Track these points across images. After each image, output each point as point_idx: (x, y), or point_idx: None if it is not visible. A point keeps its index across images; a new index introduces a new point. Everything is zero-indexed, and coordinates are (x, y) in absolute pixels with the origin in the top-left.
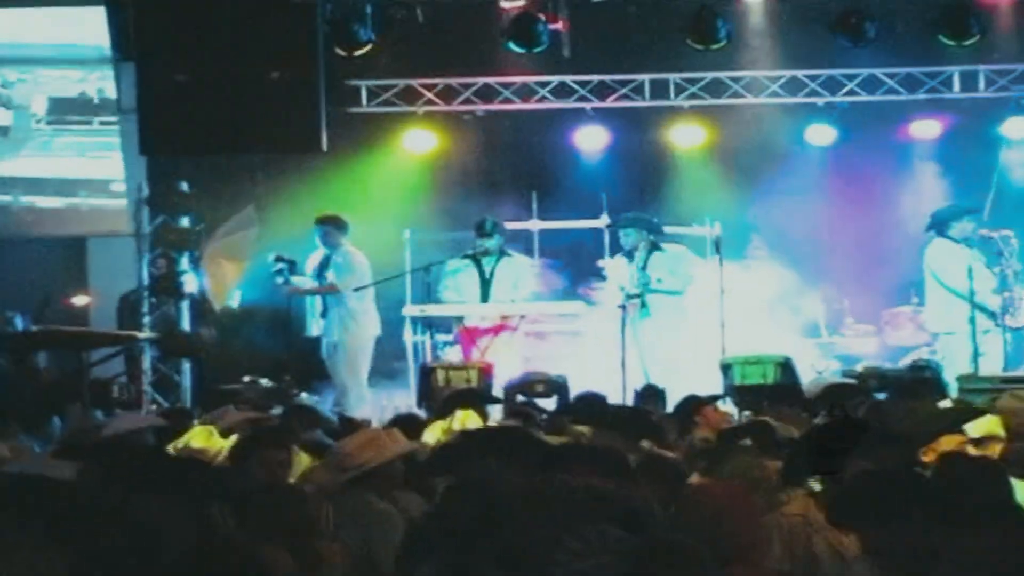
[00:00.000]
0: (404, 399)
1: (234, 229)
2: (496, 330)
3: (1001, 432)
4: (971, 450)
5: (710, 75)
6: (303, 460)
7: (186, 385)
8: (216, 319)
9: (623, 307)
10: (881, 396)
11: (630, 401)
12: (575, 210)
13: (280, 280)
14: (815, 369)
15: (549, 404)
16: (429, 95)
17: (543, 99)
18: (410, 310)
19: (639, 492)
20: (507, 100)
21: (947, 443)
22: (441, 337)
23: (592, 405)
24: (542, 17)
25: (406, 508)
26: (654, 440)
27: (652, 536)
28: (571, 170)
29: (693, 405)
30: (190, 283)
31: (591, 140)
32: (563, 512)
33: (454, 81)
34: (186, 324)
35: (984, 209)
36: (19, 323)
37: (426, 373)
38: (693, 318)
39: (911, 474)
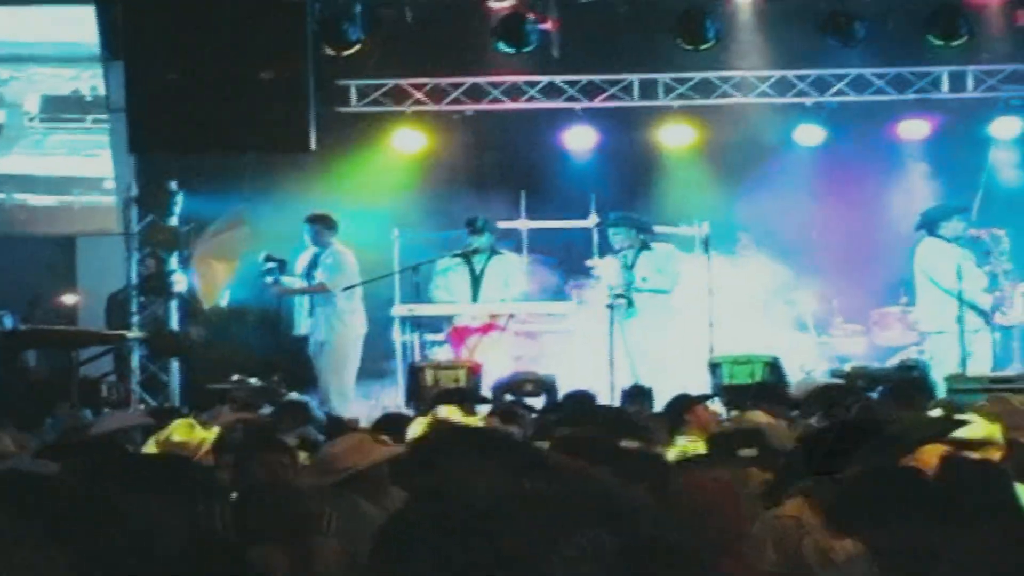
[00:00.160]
0: (393, 398)
1: (223, 229)
2: (485, 329)
3: (1000, 438)
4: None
5: (699, 75)
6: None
7: (174, 384)
8: (205, 318)
9: (611, 306)
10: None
11: (617, 400)
12: (564, 210)
13: (270, 280)
14: (803, 369)
15: (538, 403)
16: (418, 95)
17: (532, 99)
18: (399, 310)
19: (627, 490)
20: (496, 100)
21: (929, 452)
22: (433, 336)
23: (581, 404)
24: (531, 17)
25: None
26: (640, 440)
27: (644, 537)
28: (560, 170)
29: (683, 404)
30: (179, 282)
31: (580, 140)
32: (552, 515)
33: (443, 81)
34: (175, 323)
35: (973, 209)
36: (8, 322)
37: (414, 372)
38: (682, 317)
39: (914, 475)
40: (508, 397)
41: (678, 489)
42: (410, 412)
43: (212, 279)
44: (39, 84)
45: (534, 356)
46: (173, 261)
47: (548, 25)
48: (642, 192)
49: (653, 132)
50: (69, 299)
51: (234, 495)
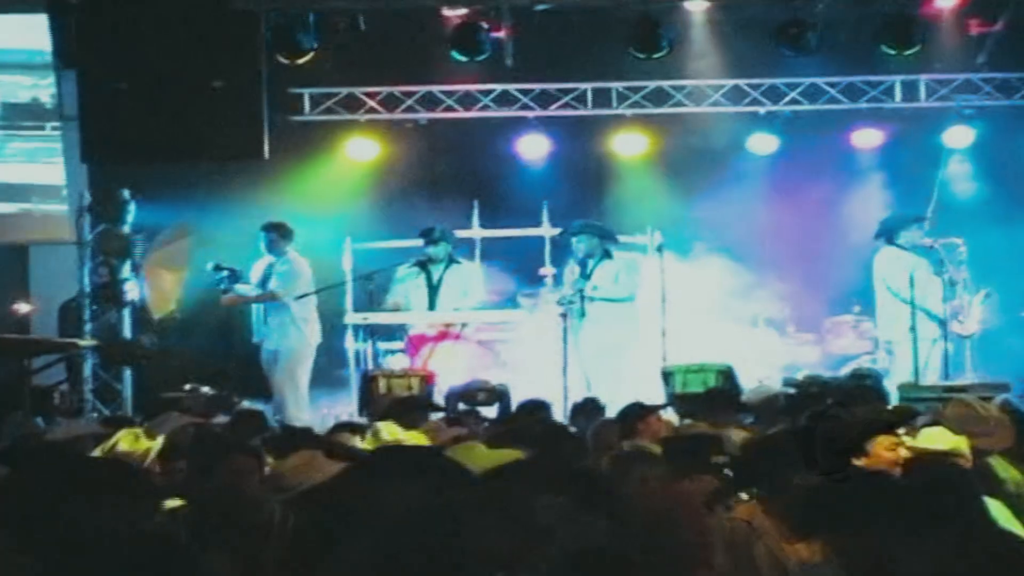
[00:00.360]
0: (346, 407)
1: (171, 238)
2: (441, 338)
3: (966, 450)
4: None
5: (652, 84)
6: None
7: (127, 393)
8: (156, 327)
9: (563, 315)
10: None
11: (569, 408)
12: (517, 218)
13: (222, 288)
14: (756, 378)
15: (491, 412)
16: (372, 103)
17: (486, 107)
18: (352, 318)
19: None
20: (450, 108)
21: (881, 445)
22: (389, 345)
23: (532, 418)
24: (485, 25)
25: None
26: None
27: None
28: (513, 178)
29: (636, 413)
30: (131, 291)
31: (533, 148)
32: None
33: (397, 89)
34: (127, 332)
35: (930, 218)
36: None
37: (367, 381)
38: (639, 325)
39: (880, 478)
40: (461, 406)
41: (634, 498)
42: (363, 421)
43: (161, 288)
44: None
45: (489, 365)
46: (126, 269)
47: (502, 34)
48: (595, 201)
49: (606, 141)
50: (22, 308)
51: (176, 500)
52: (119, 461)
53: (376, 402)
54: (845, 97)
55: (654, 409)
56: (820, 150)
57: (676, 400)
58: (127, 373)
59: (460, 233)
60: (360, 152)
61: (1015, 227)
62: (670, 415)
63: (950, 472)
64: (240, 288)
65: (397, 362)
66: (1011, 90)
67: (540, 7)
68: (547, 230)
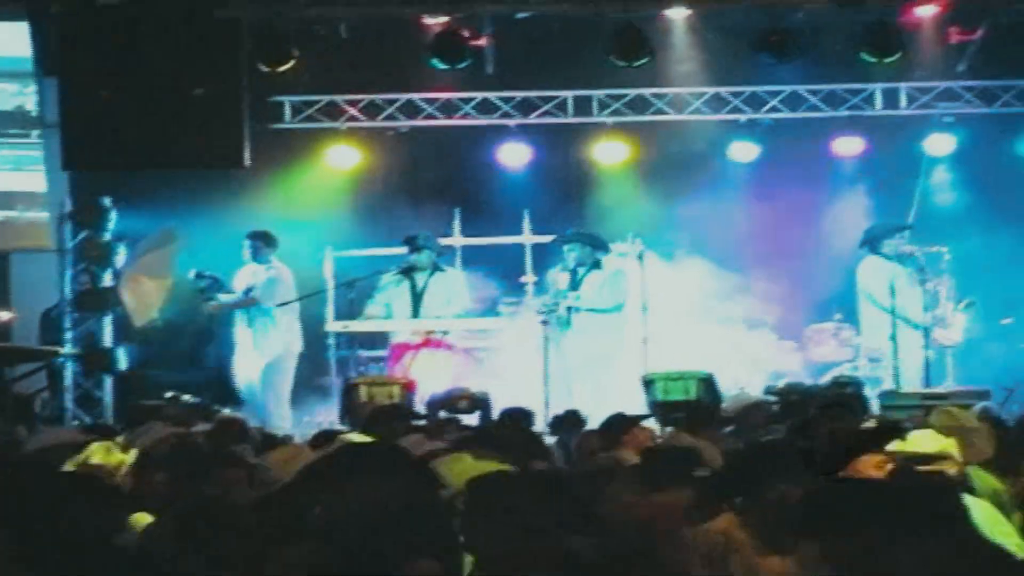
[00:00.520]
0: (327, 415)
1: (154, 246)
2: (424, 346)
3: (956, 453)
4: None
5: (633, 92)
6: None
7: (108, 401)
8: (137, 335)
9: (545, 323)
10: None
11: (550, 417)
12: (498, 226)
13: (204, 297)
14: (737, 385)
15: (472, 420)
16: (352, 111)
17: (466, 115)
18: (333, 326)
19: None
20: (430, 116)
21: (868, 463)
22: (374, 353)
23: (513, 424)
24: (465, 33)
25: None
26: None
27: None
28: (494, 186)
29: (620, 424)
30: (113, 299)
31: (514, 156)
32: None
33: (377, 97)
34: (109, 340)
35: (913, 226)
36: None
37: (349, 389)
38: (624, 334)
39: (867, 486)
40: (442, 414)
41: (611, 509)
42: (345, 429)
43: (144, 296)
44: None
45: (471, 373)
46: (107, 277)
47: (482, 42)
48: (576, 208)
49: (587, 148)
50: (2, 315)
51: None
52: (87, 474)
53: (357, 410)
54: (826, 105)
55: (637, 420)
56: (801, 158)
57: (657, 408)
58: (108, 381)
59: (441, 241)
60: (341, 160)
61: (996, 235)
62: (651, 424)
63: (934, 480)
64: (223, 297)
65: (379, 370)
66: (992, 98)
67: (521, 15)
68: (528, 238)
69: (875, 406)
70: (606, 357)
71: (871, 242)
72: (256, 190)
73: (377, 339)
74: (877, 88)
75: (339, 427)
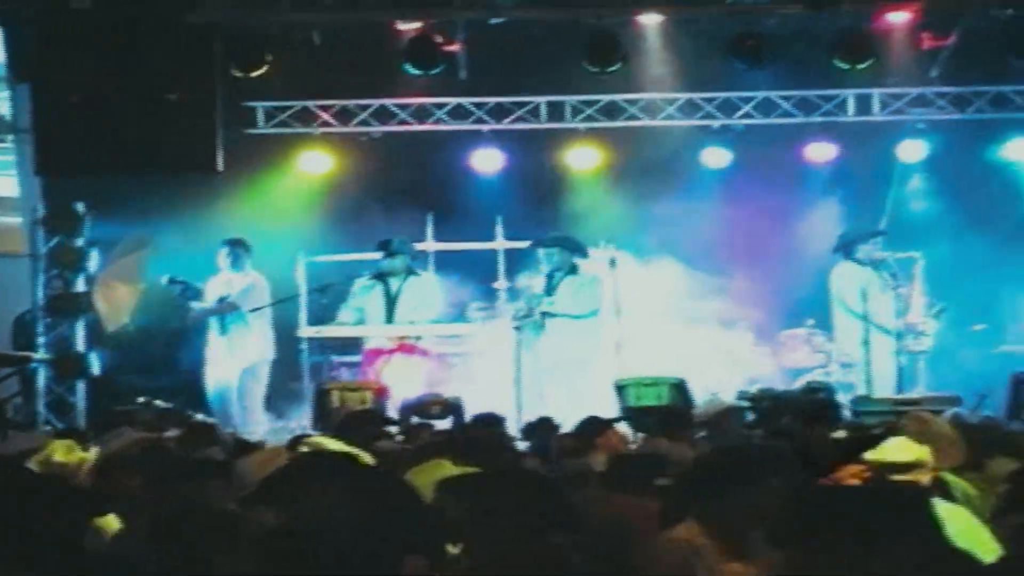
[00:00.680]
0: (300, 421)
1: (126, 251)
2: (397, 351)
3: (928, 460)
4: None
5: (606, 98)
6: None
7: (81, 406)
8: (110, 341)
9: (517, 328)
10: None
11: (522, 422)
12: (471, 231)
13: (181, 303)
14: (709, 391)
15: (445, 425)
16: (325, 116)
17: (439, 121)
18: (306, 331)
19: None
20: (404, 121)
21: (848, 472)
22: (346, 358)
23: (485, 429)
24: (439, 39)
25: None
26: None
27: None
28: (467, 191)
29: (594, 427)
30: (85, 304)
31: (487, 162)
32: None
33: (351, 102)
34: (81, 345)
35: (885, 232)
36: None
37: (321, 394)
38: (598, 340)
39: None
40: (415, 419)
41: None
42: (317, 433)
43: (116, 302)
44: None
45: (443, 378)
46: (80, 282)
47: (456, 47)
48: (549, 214)
49: (560, 154)
50: None
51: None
52: (53, 475)
53: (330, 415)
54: (798, 111)
55: (611, 423)
56: (773, 164)
57: (630, 413)
58: (80, 386)
59: (414, 246)
60: (314, 165)
61: (968, 241)
62: (624, 429)
63: (903, 489)
64: (198, 306)
65: (352, 375)
66: (964, 104)
67: (494, 21)
68: (501, 243)
69: (847, 412)
70: (579, 362)
71: (845, 248)
72: (229, 195)
73: (350, 344)
74: (850, 94)
75: (311, 432)
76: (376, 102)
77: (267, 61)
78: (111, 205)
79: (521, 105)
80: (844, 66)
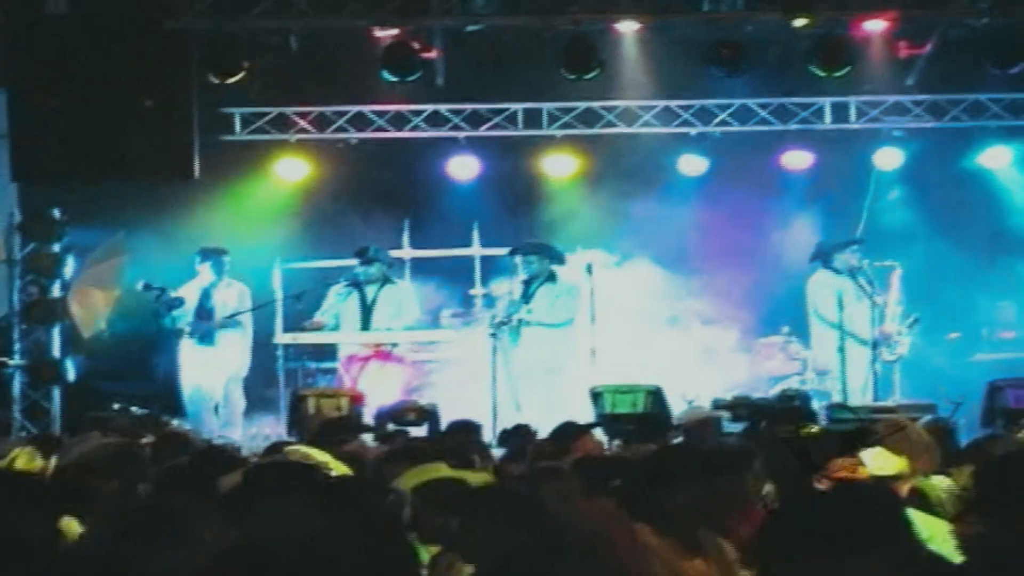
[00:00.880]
0: (275, 428)
1: (103, 257)
2: (371, 358)
3: (908, 471)
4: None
5: (583, 105)
6: None
7: (56, 412)
8: (85, 347)
9: (494, 335)
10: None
11: (498, 429)
12: (448, 238)
13: (158, 309)
14: (685, 398)
15: (420, 432)
16: (302, 123)
17: (416, 127)
18: (281, 338)
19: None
20: (380, 128)
21: (842, 467)
22: (321, 365)
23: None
24: (416, 46)
25: None
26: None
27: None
28: (444, 198)
29: (569, 433)
30: (61, 310)
31: (464, 169)
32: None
33: (327, 109)
34: (56, 351)
35: (862, 240)
36: None
37: (297, 401)
38: (575, 348)
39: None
40: (391, 426)
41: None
42: (293, 441)
43: (92, 308)
44: None
45: (419, 384)
46: (56, 289)
47: (433, 54)
48: (526, 221)
49: (537, 161)
50: None
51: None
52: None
53: (305, 422)
54: (775, 118)
55: (587, 429)
56: (750, 171)
57: (605, 420)
58: (56, 392)
59: (391, 253)
60: (291, 172)
61: (944, 249)
62: (600, 436)
63: (875, 493)
64: (205, 324)
65: (327, 382)
66: (940, 112)
67: (471, 28)
68: (478, 250)
69: (823, 419)
70: (555, 369)
71: (822, 256)
72: (206, 202)
73: (325, 351)
74: (826, 102)
75: (287, 439)
76: (353, 109)
77: (244, 67)
78: (87, 211)
79: (498, 112)
80: (821, 74)
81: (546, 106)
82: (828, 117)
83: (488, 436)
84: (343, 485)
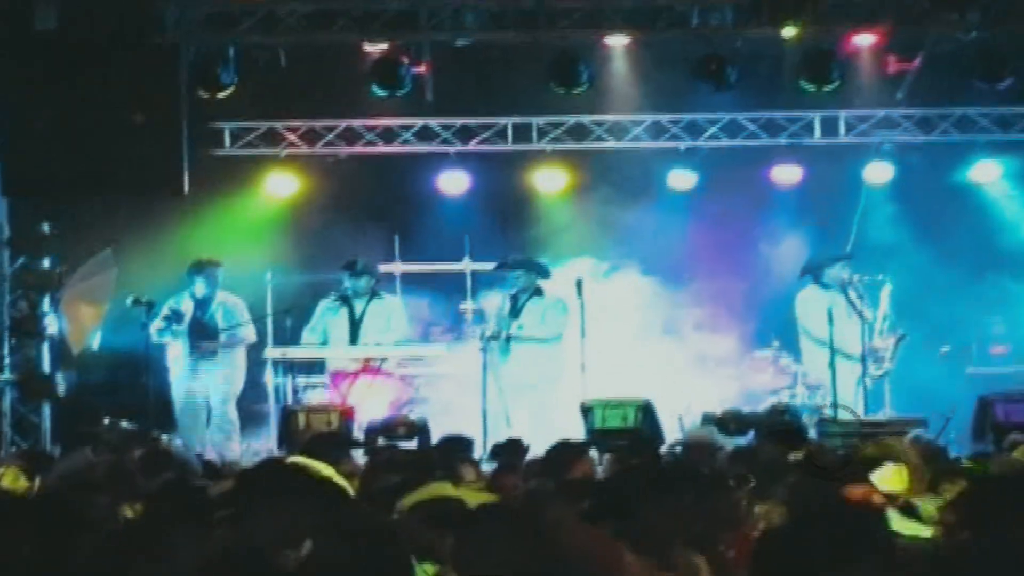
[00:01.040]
0: (265, 443)
1: (92, 272)
2: (361, 373)
3: (904, 485)
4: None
5: (572, 119)
6: None
7: (46, 427)
8: (75, 362)
9: (484, 350)
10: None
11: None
12: (438, 253)
13: (148, 324)
14: (676, 413)
15: (411, 446)
16: (292, 137)
17: (406, 142)
18: (272, 353)
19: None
20: (370, 143)
21: (858, 493)
22: (311, 380)
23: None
24: (405, 60)
25: None
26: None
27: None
28: (434, 213)
29: (565, 454)
30: (51, 325)
31: (454, 183)
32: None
33: (317, 124)
34: (46, 366)
35: (851, 255)
36: None
37: (287, 416)
38: (564, 363)
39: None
40: (381, 441)
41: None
42: (283, 455)
43: (81, 323)
44: None
45: (409, 399)
46: (45, 303)
47: (422, 69)
48: (516, 235)
49: (527, 176)
50: None
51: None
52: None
53: (295, 437)
54: (764, 133)
55: (584, 448)
56: (739, 186)
57: (595, 436)
58: (46, 407)
59: (381, 268)
60: (280, 187)
61: (934, 263)
62: (591, 452)
63: (859, 507)
64: (209, 344)
65: (318, 397)
66: (930, 126)
67: (460, 42)
68: (468, 265)
69: (813, 433)
70: (544, 384)
71: (812, 271)
72: (195, 216)
73: (315, 366)
74: (816, 116)
75: (278, 454)
76: (343, 123)
77: (233, 82)
78: (77, 226)
79: (488, 126)
80: (810, 88)
81: (536, 120)
82: (817, 131)
83: (479, 451)
84: (338, 489)
